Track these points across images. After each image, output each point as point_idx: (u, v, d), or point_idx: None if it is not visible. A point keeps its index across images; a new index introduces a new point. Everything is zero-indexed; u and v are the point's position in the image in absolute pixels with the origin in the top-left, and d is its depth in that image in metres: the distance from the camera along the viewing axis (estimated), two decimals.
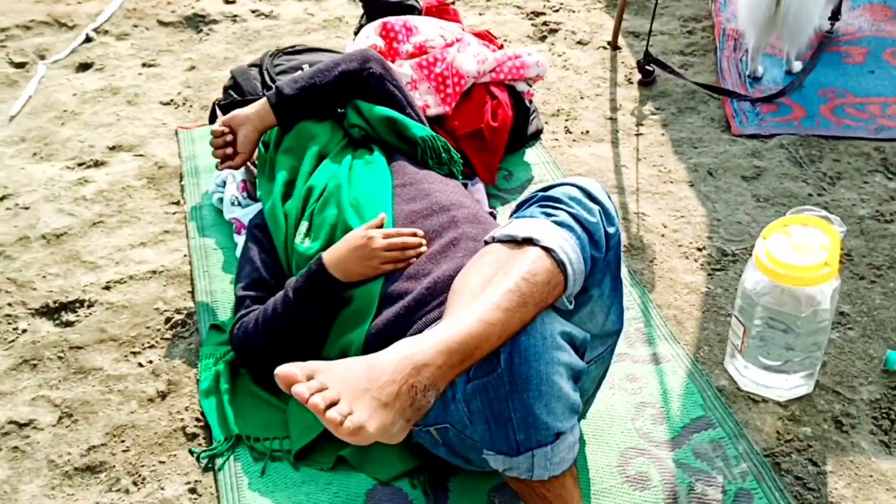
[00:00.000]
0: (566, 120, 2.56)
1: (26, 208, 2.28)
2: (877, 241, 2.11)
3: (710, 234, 2.16)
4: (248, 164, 2.09)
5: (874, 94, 2.59)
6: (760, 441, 1.66)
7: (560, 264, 1.23)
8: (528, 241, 1.25)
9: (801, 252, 1.61)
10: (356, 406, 1.06)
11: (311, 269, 1.69)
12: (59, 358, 1.88)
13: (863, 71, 2.70)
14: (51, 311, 1.99)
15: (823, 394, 1.75)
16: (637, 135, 2.50)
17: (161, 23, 3.08)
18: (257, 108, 1.97)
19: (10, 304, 2.00)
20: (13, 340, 1.92)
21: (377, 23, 2.32)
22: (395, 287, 1.64)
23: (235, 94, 2.26)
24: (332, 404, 1.06)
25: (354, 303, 1.67)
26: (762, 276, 1.64)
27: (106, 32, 3.02)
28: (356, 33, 2.66)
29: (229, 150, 1.96)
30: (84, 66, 2.87)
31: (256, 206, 2.14)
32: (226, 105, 2.28)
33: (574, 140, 2.49)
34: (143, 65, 2.86)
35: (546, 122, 2.54)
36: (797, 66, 2.69)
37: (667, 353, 1.85)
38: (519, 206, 1.38)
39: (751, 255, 2.08)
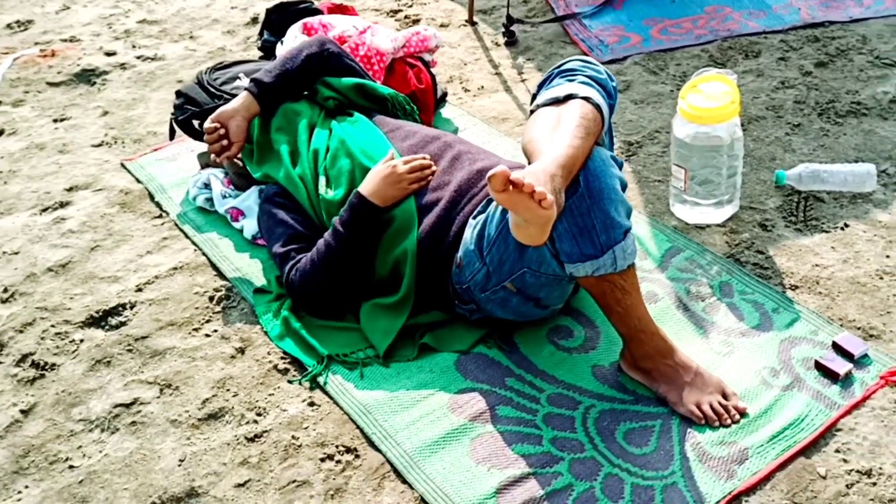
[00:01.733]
0: (461, 82, 3.01)
1: (16, 253, 2.37)
2: None
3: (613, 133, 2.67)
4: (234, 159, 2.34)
5: (682, 16, 3.27)
6: (719, 250, 2.17)
7: (596, 107, 1.66)
8: (569, 97, 1.67)
9: (712, 99, 2.15)
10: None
11: (353, 202, 2.00)
12: (129, 351, 2.03)
13: (666, 2, 3.38)
14: (97, 321, 2.12)
15: (745, 211, 2.30)
16: (522, 80, 3.00)
17: (51, 84, 3.18)
18: (241, 100, 2.24)
19: (53, 326, 2.11)
20: (75, 350, 2.04)
21: (298, 24, 2.65)
22: (426, 199, 1.99)
23: (192, 106, 2.49)
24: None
25: (396, 221, 2.00)
26: (690, 124, 2.16)
27: (0, 103, 3.09)
28: (261, 48, 2.97)
29: (224, 142, 2.23)
30: None
31: (246, 195, 2.39)
32: (185, 119, 2.50)
33: (474, 95, 2.95)
34: (55, 120, 2.96)
35: (445, 87, 2.97)
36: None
37: None
38: (541, 85, 1.80)
39: (649, 140, 2.64)
